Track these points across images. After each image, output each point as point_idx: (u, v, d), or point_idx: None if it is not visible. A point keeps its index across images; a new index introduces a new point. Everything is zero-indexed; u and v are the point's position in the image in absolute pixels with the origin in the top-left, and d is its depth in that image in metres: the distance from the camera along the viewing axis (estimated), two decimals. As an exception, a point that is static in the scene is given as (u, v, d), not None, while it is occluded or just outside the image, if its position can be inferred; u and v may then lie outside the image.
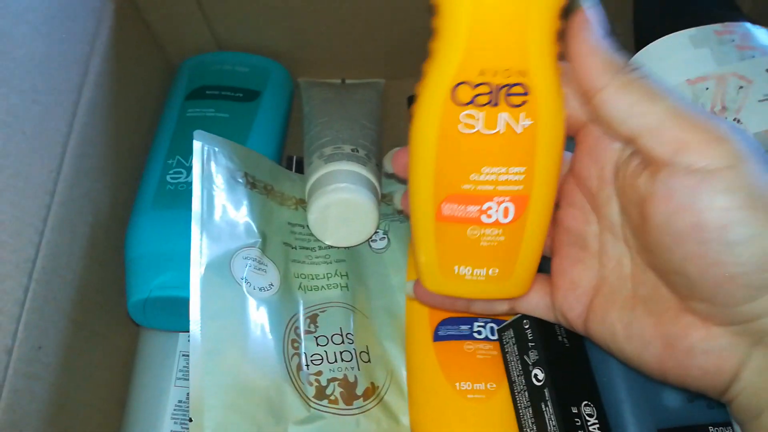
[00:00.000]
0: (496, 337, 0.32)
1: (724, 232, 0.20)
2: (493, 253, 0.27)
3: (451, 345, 0.32)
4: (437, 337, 0.32)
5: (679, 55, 0.32)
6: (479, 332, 0.32)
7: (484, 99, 0.24)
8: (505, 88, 0.24)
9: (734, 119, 0.30)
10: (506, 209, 0.26)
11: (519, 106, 0.24)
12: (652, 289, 0.24)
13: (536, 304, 0.29)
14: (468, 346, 0.32)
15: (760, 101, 0.30)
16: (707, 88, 0.31)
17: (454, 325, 0.33)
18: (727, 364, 0.22)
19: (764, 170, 0.21)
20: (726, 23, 0.32)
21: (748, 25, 0.33)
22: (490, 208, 0.26)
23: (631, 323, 0.24)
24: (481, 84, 0.23)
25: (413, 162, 0.26)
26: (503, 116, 0.24)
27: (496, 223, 0.26)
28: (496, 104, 0.24)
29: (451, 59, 0.23)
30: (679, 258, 0.22)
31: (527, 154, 0.24)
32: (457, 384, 0.31)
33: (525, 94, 0.24)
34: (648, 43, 0.33)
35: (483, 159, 0.25)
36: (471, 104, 0.24)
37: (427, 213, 0.26)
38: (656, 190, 0.22)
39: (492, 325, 0.33)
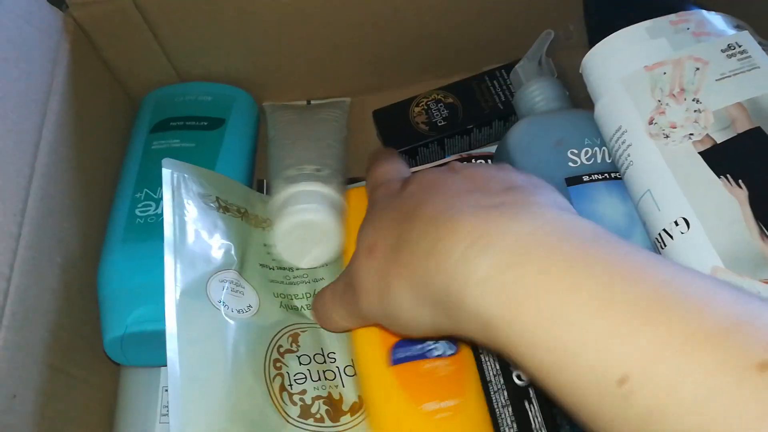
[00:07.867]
0: (452, 351, 0.32)
1: None
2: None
3: (409, 366, 0.31)
4: (395, 361, 0.31)
5: (636, 45, 0.32)
6: (436, 349, 0.32)
7: None
8: None
9: (693, 99, 0.30)
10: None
11: None
12: None
13: None
14: (426, 365, 0.31)
15: (717, 80, 0.30)
16: (665, 73, 0.31)
17: (408, 345, 0.32)
18: None
19: None
20: (680, 12, 0.33)
21: (703, 12, 0.33)
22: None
23: None
24: None
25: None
26: None
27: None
28: None
29: None
30: None
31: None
32: (424, 405, 0.30)
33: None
34: (603, 38, 0.34)
35: None
36: None
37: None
38: None
39: (445, 341, 0.32)
